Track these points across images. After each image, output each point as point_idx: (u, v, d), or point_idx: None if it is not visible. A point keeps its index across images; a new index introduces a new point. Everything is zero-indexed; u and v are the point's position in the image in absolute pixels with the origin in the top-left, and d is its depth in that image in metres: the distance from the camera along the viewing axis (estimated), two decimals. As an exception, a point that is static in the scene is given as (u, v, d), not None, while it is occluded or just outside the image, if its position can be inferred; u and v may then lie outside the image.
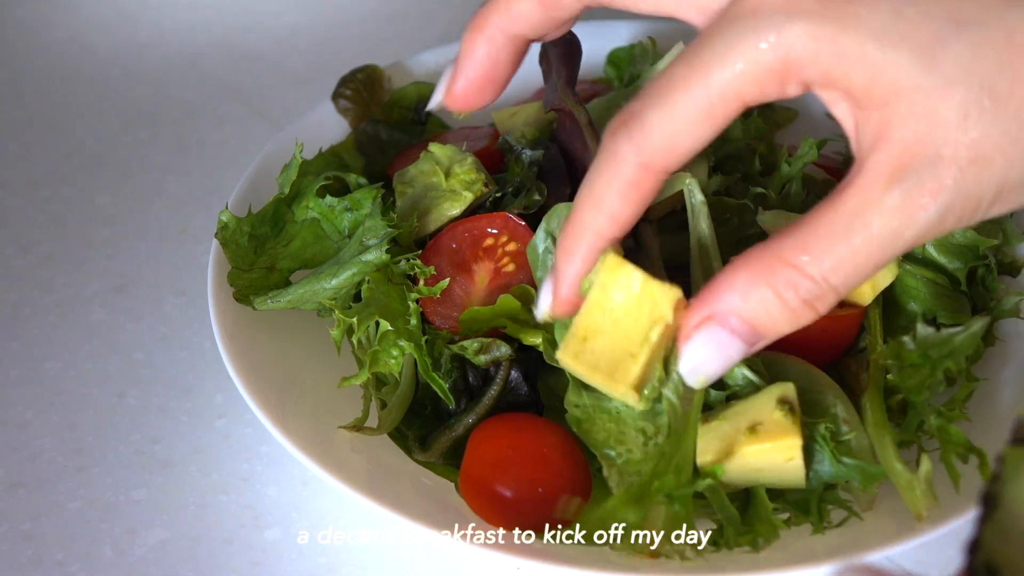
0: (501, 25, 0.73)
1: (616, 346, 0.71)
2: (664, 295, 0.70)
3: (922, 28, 0.57)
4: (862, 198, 0.60)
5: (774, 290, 0.62)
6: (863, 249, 0.60)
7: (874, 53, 0.58)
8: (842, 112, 0.61)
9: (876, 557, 0.73)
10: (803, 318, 0.63)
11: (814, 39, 0.58)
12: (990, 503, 0.46)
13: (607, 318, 0.71)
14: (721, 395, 0.76)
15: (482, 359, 0.80)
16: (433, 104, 0.79)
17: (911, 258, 0.84)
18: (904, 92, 0.58)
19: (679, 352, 0.67)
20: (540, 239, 0.79)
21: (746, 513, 0.74)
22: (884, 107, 0.59)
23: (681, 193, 0.80)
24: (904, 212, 0.59)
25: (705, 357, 0.66)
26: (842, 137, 0.99)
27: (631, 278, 0.70)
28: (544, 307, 0.71)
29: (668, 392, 0.76)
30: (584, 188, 0.66)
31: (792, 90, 0.60)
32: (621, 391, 0.72)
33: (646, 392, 0.73)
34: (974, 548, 0.44)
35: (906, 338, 0.76)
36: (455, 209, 0.85)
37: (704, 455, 0.73)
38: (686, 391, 0.75)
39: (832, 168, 0.97)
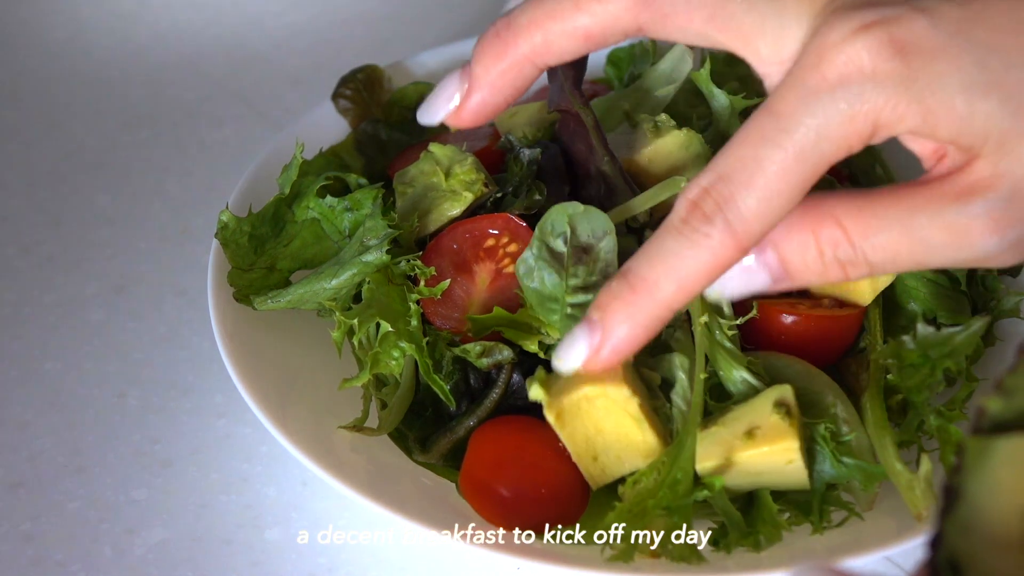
0: (533, 55, 0.69)
1: (622, 441, 0.74)
2: (618, 392, 0.73)
3: (1008, 77, 0.58)
4: (924, 200, 0.60)
5: (816, 240, 0.62)
6: (906, 246, 0.60)
7: (961, 107, 0.58)
8: (920, 147, 0.62)
9: (875, 557, 0.73)
10: (832, 275, 0.63)
11: (900, 103, 0.58)
12: (951, 496, 0.44)
13: (594, 432, 0.75)
14: (723, 402, 0.77)
15: (484, 362, 0.80)
16: (432, 119, 0.73)
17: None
18: (992, 137, 0.58)
19: None
20: (533, 249, 0.79)
21: (749, 514, 0.74)
22: (970, 150, 0.59)
23: (681, 193, 0.80)
24: (956, 232, 0.60)
25: (730, 275, 0.64)
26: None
27: (583, 398, 0.73)
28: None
29: (677, 398, 0.76)
30: (664, 258, 0.62)
31: (876, 140, 0.61)
32: (656, 455, 0.74)
33: (668, 434, 0.75)
34: (936, 543, 0.43)
35: (906, 337, 0.76)
36: (455, 209, 0.85)
37: (704, 461, 0.73)
38: (689, 391, 0.75)
39: (834, 169, 0.97)
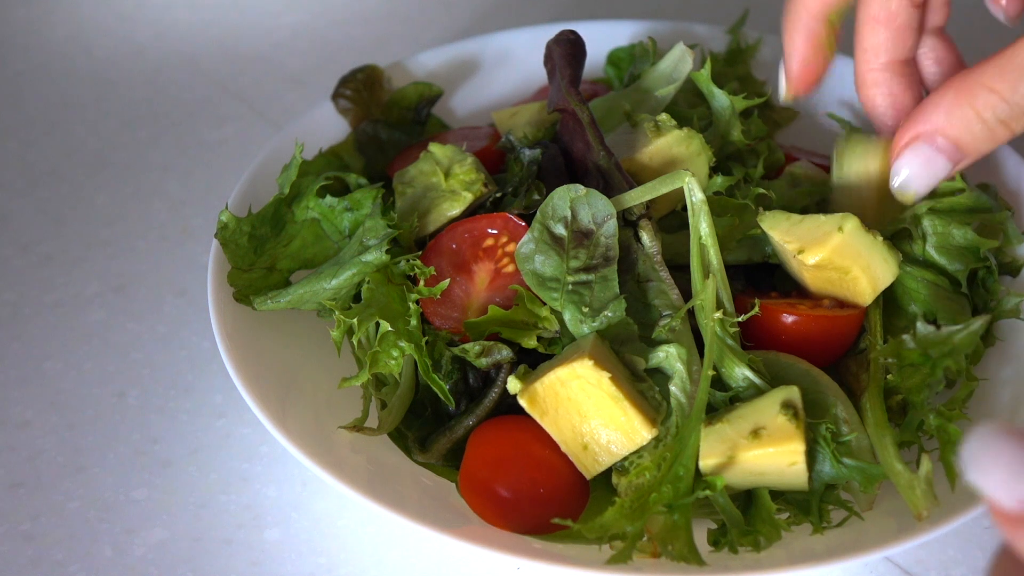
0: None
1: (607, 424, 0.75)
2: (584, 367, 0.74)
3: None
4: None
5: (975, 110, 0.70)
6: None
7: None
8: None
9: (875, 557, 0.73)
10: (1000, 136, 0.71)
11: None
12: None
13: (578, 418, 0.75)
14: (724, 396, 0.77)
15: (483, 362, 0.80)
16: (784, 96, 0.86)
17: (911, 260, 0.84)
18: None
19: (891, 169, 0.76)
20: (534, 233, 0.79)
21: (748, 513, 0.74)
22: None
23: (681, 192, 0.80)
24: None
25: (914, 173, 0.74)
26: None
27: (557, 381, 0.75)
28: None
29: (675, 389, 0.76)
30: None
31: None
32: (645, 439, 0.75)
33: (656, 416, 0.75)
34: None
35: (906, 336, 0.76)
36: (455, 209, 0.85)
37: (707, 458, 0.73)
38: (692, 388, 0.75)
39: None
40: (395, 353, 0.81)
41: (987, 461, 0.47)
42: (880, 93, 0.81)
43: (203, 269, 0.88)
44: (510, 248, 0.83)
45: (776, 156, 0.93)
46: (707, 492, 0.72)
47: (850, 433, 0.75)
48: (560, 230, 0.79)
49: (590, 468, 0.76)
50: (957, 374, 0.77)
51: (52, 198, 1.10)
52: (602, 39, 1.04)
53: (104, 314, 0.99)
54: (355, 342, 0.84)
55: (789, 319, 0.80)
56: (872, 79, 0.81)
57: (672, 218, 0.85)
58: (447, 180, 0.86)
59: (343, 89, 1.01)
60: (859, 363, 0.81)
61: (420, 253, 0.84)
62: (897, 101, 0.81)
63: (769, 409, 0.73)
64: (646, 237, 0.81)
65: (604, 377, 0.73)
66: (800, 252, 0.80)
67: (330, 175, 0.91)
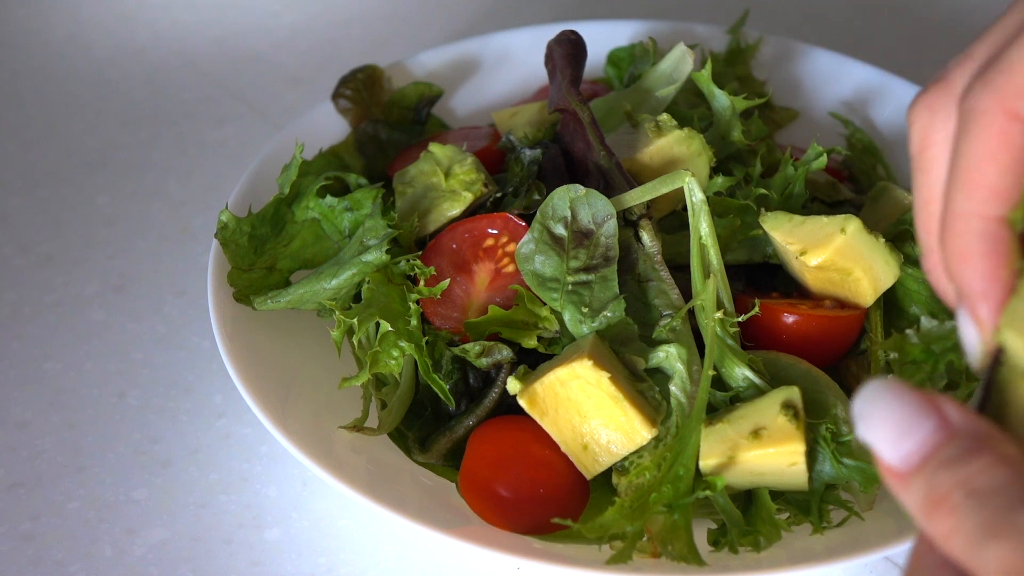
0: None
1: (607, 423, 0.75)
2: (584, 367, 0.74)
3: None
4: None
5: None
6: None
7: None
8: None
9: (875, 557, 0.73)
10: None
11: None
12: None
13: (578, 419, 0.75)
14: (724, 396, 0.77)
15: (483, 362, 0.80)
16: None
17: (913, 261, 0.84)
18: None
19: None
20: (534, 233, 0.79)
21: (748, 513, 0.74)
22: None
23: (682, 192, 0.80)
24: None
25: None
26: (846, 137, 1.00)
27: (557, 381, 0.75)
28: (972, 349, 0.53)
29: (675, 389, 0.76)
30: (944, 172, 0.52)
31: None
32: (645, 439, 0.74)
33: (656, 416, 0.75)
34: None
35: (909, 331, 0.76)
36: (455, 209, 0.85)
37: (707, 458, 0.73)
38: (692, 388, 0.75)
39: (834, 170, 0.97)
40: (395, 353, 0.81)
41: (875, 416, 0.46)
42: (974, 267, 0.52)
43: (203, 269, 0.88)
44: (510, 248, 0.83)
45: (776, 156, 0.93)
46: (707, 492, 0.72)
47: (850, 433, 0.75)
48: (560, 230, 0.79)
49: (590, 468, 0.76)
50: (959, 372, 0.77)
51: (52, 198, 1.10)
52: (602, 39, 1.04)
53: (104, 314, 0.99)
54: (355, 342, 0.84)
55: (790, 319, 0.80)
56: (965, 245, 0.51)
57: (672, 218, 0.85)
58: (447, 180, 0.86)
59: (343, 89, 1.01)
60: (860, 364, 0.81)
61: (420, 253, 0.84)
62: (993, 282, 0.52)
63: (769, 409, 0.73)
64: (646, 237, 0.81)
65: (604, 377, 0.73)
66: (802, 253, 0.80)
67: (330, 175, 0.91)
